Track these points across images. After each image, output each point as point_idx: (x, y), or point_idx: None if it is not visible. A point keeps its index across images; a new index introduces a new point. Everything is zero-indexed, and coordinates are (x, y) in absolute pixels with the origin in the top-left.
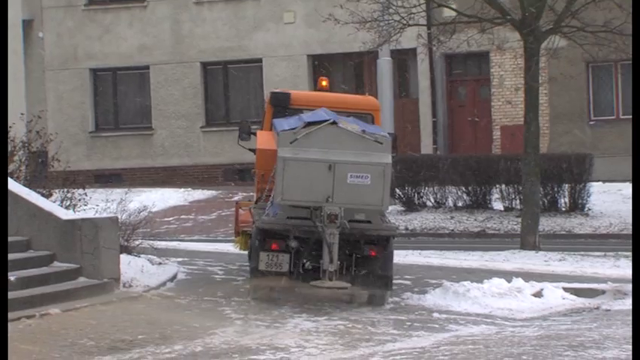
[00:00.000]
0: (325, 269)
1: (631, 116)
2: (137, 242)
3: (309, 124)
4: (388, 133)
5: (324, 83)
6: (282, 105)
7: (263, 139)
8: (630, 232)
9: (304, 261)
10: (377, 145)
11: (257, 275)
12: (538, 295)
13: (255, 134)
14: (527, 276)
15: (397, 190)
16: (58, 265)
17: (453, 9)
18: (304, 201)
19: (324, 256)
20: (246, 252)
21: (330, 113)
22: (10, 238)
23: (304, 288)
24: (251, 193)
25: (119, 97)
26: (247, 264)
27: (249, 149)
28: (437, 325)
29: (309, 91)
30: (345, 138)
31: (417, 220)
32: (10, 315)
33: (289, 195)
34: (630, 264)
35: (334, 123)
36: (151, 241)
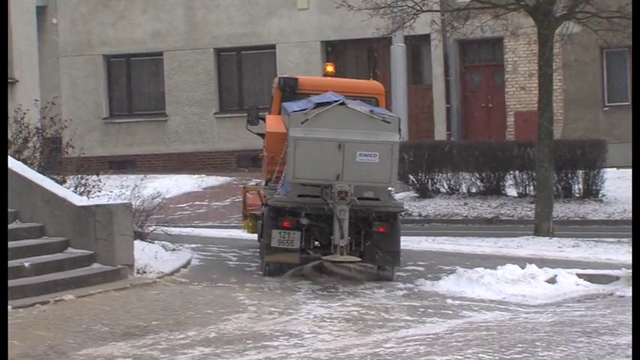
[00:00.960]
0: (336, 244)
1: None
2: (151, 228)
3: (318, 104)
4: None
5: (329, 69)
6: (290, 90)
7: (272, 123)
8: None
9: (315, 238)
10: (385, 125)
11: (270, 252)
12: (552, 281)
13: (263, 119)
14: (541, 262)
15: (411, 177)
16: (72, 252)
17: None
18: (315, 179)
19: (335, 232)
20: (254, 235)
21: (338, 96)
22: (24, 224)
23: (317, 263)
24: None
25: (133, 84)
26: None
27: (257, 134)
28: (450, 312)
29: (317, 77)
30: (354, 118)
31: (431, 207)
32: (25, 301)
33: (301, 173)
34: None
35: (343, 104)
36: (165, 228)
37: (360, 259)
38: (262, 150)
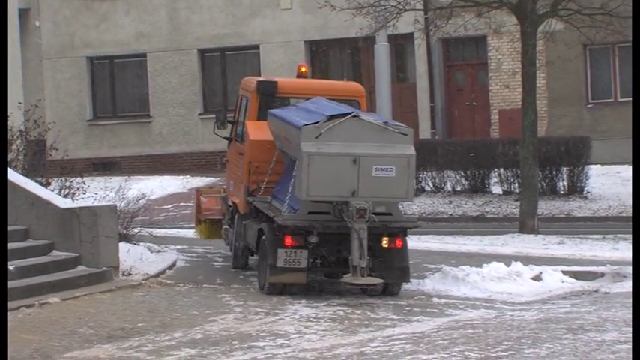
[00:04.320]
0: (356, 265)
1: (629, 99)
2: (136, 230)
3: (331, 117)
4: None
5: (303, 69)
6: (269, 94)
7: (254, 130)
8: (629, 214)
9: (321, 256)
10: (401, 137)
11: (275, 272)
12: (537, 278)
13: (232, 123)
14: (526, 260)
15: None
16: (57, 254)
17: None
18: (330, 196)
19: (354, 252)
20: (208, 240)
21: (328, 102)
22: (9, 228)
23: (331, 285)
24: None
25: (117, 86)
26: None
27: (225, 138)
28: (436, 310)
29: (296, 79)
30: (368, 130)
31: (416, 205)
32: (10, 304)
33: (315, 191)
34: (629, 246)
35: (356, 116)
36: (150, 229)
37: (382, 281)
38: (227, 155)
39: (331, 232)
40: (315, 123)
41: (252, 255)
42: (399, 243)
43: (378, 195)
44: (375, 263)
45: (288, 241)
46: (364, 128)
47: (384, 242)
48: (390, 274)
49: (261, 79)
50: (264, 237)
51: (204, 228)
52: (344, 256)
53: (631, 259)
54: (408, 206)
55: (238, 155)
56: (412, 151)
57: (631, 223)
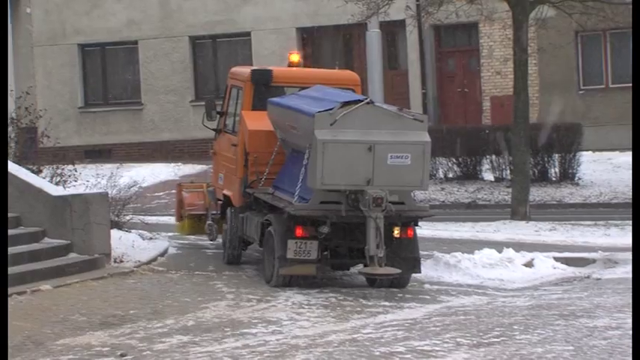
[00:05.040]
0: (373, 255)
1: (621, 85)
2: (128, 217)
3: (345, 103)
4: None
5: (294, 58)
6: (264, 83)
7: (252, 120)
8: (620, 201)
9: (333, 247)
10: (416, 124)
11: (285, 264)
12: (529, 265)
13: (220, 113)
14: (518, 246)
15: None
16: (48, 242)
17: None
18: (345, 185)
19: (371, 242)
20: (192, 236)
21: (334, 89)
22: None
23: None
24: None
25: (108, 73)
26: None
27: (213, 129)
28: (428, 297)
29: (291, 68)
30: (383, 117)
31: None
32: None
33: (329, 179)
34: (621, 232)
35: (371, 102)
36: (142, 216)
37: (400, 271)
38: (212, 145)
39: (344, 222)
40: (329, 110)
41: (246, 250)
42: (410, 233)
43: (392, 183)
44: (391, 254)
45: (298, 231)
46: (379, 115)
47: (396, 232)
48: (400, 265)
49: (255, 68)
50: (270, 228)
51: (186, 224)
52: (355, 246)
53: (622, 246)
54: None
55: (231, 147)
56: (427, 138)
57: (622, 210)
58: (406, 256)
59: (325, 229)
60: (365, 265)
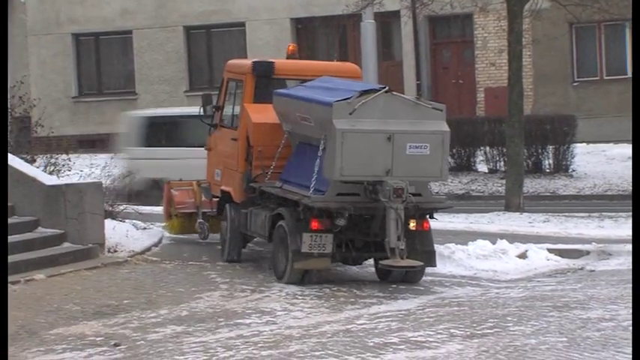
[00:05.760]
0: (394, 247)
1: (615, 77)
2: (122, 207)
3: (363, 92)
4: None
5: (292, 48)
6: (266, 75)
7: (256, 113)
8: (614, 192)
9: (349, 240)
10: (435, 113)
11: (299, 258)
12: (522, 256)
13: (217, 108)
14: (512, 237)
15: None
16: (42, 231)
17: None
18: (364, 175)
19: (391, 234)
20: (181, 236)
21: (344, 80)
22: None
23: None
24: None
25: (102, 62)
26: None
27: (209, 124)
28: (422, 288)
29: (292, 60)
30: (401, 106)
31: None
32: None
33: (348, 170)
34: (614, 224)
35: (389, 91)
36: (136, 206)
37: (422, 264)
38: (207, 142)
39: (362, 214)
40: (347, 99)
41: (245, 247)
42: (426, 225)
43: (411, 174)
44: (409, 247)
45: (314, 224)
46: (397, 104)
47: (412, 225)
48: (415, 258)
49: (256, 59)
50: (282, 222)
51: (176, 223)
52: (371, 239)
53: (616, 238)
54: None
55: (230, 141)
56: (446, 127)
57: (615, 201)
58: (421, 249)
59: (342, 221)
60: (379, 259)
